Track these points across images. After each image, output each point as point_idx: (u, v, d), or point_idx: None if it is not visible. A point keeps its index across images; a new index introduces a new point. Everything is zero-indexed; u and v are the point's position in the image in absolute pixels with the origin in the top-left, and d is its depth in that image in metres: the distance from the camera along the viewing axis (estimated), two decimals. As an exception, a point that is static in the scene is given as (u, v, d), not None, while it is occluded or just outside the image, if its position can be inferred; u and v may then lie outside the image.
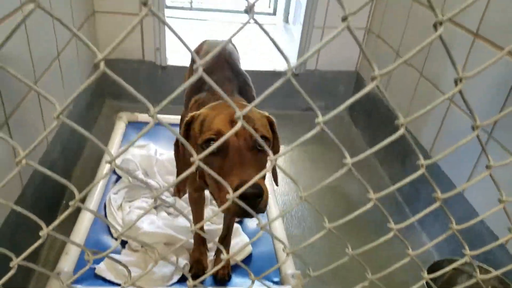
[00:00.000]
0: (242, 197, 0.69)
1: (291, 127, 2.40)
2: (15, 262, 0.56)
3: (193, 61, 1.41)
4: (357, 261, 0.68)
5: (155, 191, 0.51)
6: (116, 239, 1.36)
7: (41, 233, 0.53)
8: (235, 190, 0.67)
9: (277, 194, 1.88)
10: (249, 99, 1.18)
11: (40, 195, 1.38)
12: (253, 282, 0.68)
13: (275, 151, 0.95)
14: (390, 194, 1.99)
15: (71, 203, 0.50)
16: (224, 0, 3.30)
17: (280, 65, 2.43)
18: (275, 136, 0.95)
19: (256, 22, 0.42)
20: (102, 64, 0.40)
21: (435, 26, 0.43)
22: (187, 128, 0.93)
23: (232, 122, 0.83)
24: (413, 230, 1.78)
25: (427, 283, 1.28)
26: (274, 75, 2.38)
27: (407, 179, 0.56)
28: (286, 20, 3.14)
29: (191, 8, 3.14)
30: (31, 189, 1.31)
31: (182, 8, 3.12)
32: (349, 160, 0.50)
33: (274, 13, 3.24)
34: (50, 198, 1.49)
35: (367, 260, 1.66)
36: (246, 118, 0.81)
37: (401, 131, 0.51)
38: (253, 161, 0.80)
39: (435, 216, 1.68)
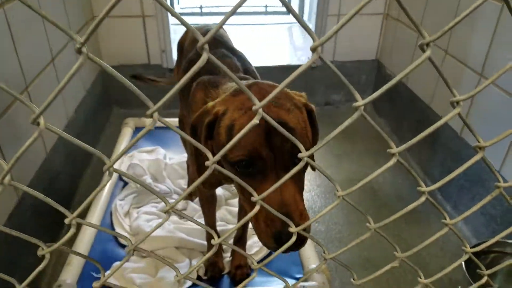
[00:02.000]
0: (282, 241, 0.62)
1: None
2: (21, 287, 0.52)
3: (180, 52, 1.32)
4: (388, 249, 0.57)
5: (168, 204, 0.46)
6: (123, 246, 1.27)
7: (39, 253, 0.48)
8: (275, 234, 0.63)
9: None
10: (254, 77, 1.06)
11: (40, 207, 1.30)
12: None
13: (314, 144, 0.77)
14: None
15: (66, 220, 0.45)
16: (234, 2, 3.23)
17: (294, 60, 2.33)
18: (314, 130, 0.78)
19: (322, 59, 0.40)
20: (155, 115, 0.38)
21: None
22: (209, 129, 0.73)
23: (270, 136, 0.64)
24: (446, 214, 1.61)
25: (466, 266, 1.14)
26: (288, 69, 2.27)
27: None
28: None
29: (201, 14, 3.06)
30: (29, 200, 1.23)
31: (192, 14, 3.05)
32: (395, 149, 0.47)
33: (288, 12, 3.15)
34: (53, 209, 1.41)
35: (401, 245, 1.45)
36: (282, 123, 0.65)
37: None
38: (293, 183, 0.66)
39: (471, 199, 1.51)
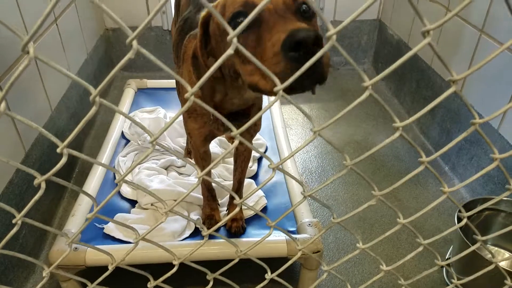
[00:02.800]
0: (295, 48, 0.52)
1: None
2: (18, 218, 0.53)
3: (177, 10, 1.32)
4: (383, 209, 0.60)
5: (152, 136, 0.45)
6: (125, 199, 1.33)
7: (35, 182, 0.49)
8: (283, 43, 0.52)
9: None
10: None
11: (46, 163, 1.35)
12: (271, 228, 0.61)
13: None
14: (418, 143, 1.86)
15: (58, 150, 0.47)
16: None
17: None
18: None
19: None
20: (134, 43, 0.37)
21: None
22: (205, 27, 0.72)
23: None
24: (444, 176, 1.64)
25: (459, 221, 1.17)
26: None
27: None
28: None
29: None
30: (35, 155, 1.28)
31: None
32: (399, 124, 0.46)
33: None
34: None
35: (396, 207, 1.50)
36: None
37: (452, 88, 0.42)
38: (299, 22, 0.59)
39: (469, 159, 1.53)
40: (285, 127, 1.73)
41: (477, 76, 1.47)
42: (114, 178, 1.40)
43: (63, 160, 0.48)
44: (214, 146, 1.57)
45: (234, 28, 0.64)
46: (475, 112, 0.49)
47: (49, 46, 1.44)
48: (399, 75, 2.09)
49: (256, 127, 1.10)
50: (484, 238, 0.67)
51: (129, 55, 0.40)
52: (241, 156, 1.21)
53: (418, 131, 1.90)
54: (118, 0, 2.02)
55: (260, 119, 1.05)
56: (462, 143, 1.56)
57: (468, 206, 1.23)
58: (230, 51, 0.38)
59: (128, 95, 1.81)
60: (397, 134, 0.48)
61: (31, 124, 0.46)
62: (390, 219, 1.44)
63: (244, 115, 0.94)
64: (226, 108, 0.91)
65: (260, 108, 1.02)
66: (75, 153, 0.51)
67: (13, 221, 0.55)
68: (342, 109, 2.19)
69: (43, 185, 0.52)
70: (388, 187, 0.57)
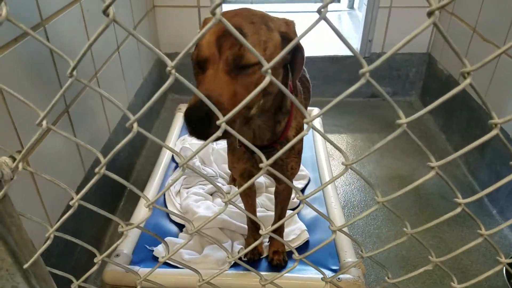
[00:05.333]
0: (187, 120, 0.64)
1: (354, 114, 2.29)
2: (99, 258, 0.64)
3: None
4: (426, 250, 0.60)
5: (226, 197, 0.52)
6: (174, 223, 1.39)
7: (119, 230, 0.58)
8: (187, 109, 0.63)
9: (338, 183, 1.79)
10: (302, 81, 1.12)
11: (103, 181, 1.44)
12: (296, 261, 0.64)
13: (297, 74, 0.80)
14: (465, 182, 1.81)
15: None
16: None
17: (340, 51, 2.34)
18: (294, 58, 0.78)
19: (327, 22, 0.39)
20: (173, 72, 0.40)
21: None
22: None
23: (220, 39, 0.69)
24: (491, 219, 1.59)
25: (507, 273, 1.14)
26: (335, 60, 2.29)
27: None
28: (351, 6, 3.03)
29: (251, 2, 3.15)
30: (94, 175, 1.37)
31: (242, 2, 3.15)
32: (434, 163, 0.48)
33: (338, 0, 3.16)
34: (115, 183, 1.56)
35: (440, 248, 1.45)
36: (236, 27, 0.70)
37: (494, 132, 0.43)
38: (225, 82, 0.68)
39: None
40: (329, 158, 1.75)
41: (496, 93, 1.44)
42: (164, 201, 1.47)
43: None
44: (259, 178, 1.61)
45: (196, 67, 0.73)
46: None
47: (112, 71, 1.55)
48: (448, 111, 2.05)
49: (293, 170, 1.08)
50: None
51: (170, 80, 0.42)
52: (280, 196, 1.21)
53: (466, 171, 1.85)
54: (173, 28, 2.13)
55: (297, 164, 1.07)
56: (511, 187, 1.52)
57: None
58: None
59: (179, 119, 1.90)
60: (431, 173, 0.49)
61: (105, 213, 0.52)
62: (433, 261, 1.42)
63: (268, 148, 0.97)
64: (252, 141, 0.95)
65: (299, 151, 1.04)
66: (136, 225, 0.56)
67: (95, 260, 0.60)
68: (388, 142, 2.18)
69: (126, 233, 0.57)
70: (434, 229, 0.58)
